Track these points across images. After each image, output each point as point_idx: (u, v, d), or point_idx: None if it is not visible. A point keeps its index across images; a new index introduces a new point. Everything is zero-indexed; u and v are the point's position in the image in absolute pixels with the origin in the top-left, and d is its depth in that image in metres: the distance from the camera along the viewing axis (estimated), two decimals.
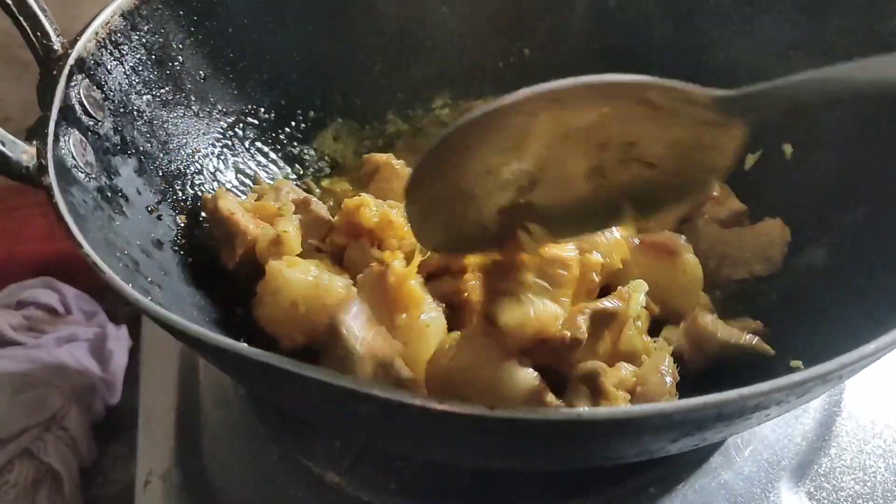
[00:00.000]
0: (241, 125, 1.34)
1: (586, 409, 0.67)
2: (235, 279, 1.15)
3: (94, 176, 1.00)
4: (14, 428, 1.62)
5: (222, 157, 1.29)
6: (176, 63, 1.24)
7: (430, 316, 1.00)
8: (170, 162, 1.18)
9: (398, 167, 1.29)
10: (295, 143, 1.41)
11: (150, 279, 0.97)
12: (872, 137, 1.13)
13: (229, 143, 1.32)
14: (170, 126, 1.21)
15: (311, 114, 1.45)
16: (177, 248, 1.11)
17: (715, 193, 1.25)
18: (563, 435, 0.69)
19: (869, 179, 1.11)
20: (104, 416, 1.83)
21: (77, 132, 1.00)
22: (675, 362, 1.03)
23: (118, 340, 1.89)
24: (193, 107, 1.26)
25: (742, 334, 1.06)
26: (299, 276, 1.04)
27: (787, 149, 1.28)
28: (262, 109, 1.37)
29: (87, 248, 0.81)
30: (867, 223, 1.10)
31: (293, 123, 1.42)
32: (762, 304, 1.17)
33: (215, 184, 1.25)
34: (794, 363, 1.00)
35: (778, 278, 1.19)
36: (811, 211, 1.19)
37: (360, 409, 0.71)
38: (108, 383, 1.83)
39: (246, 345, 0.72)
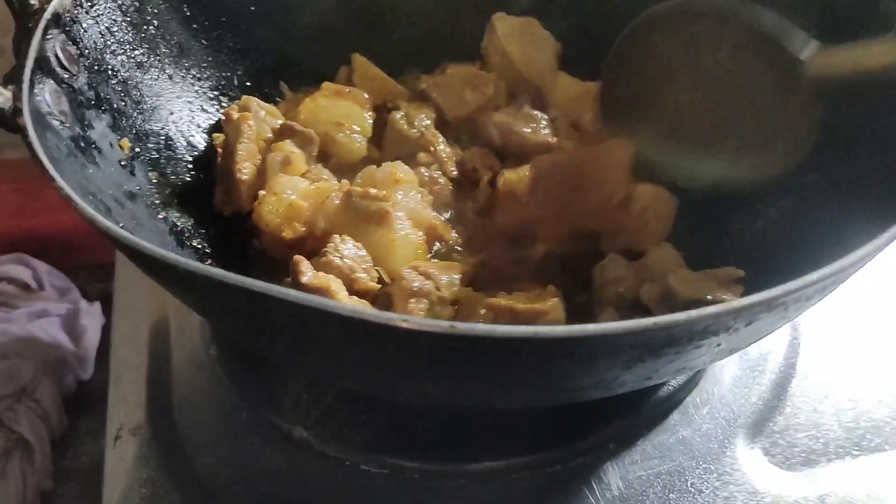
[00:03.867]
0: (216, 91, 1.35)
1: (539, 328, 0.68)
2: (210, 236, 1.18)
3: (68, 125, 1.02)
4: None
5: (195, 122, 1.30)
6: (150, 27, 1.26)
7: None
8: (144, 121, 1.20)
9: None
10: None
11: (121, 224, 0.99)
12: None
13: (203, 106, 1.33)
14: (143, 87, 1.23)
15: (288, 84, 1.47)
16: (149, 203, 1.13)
17: None
18: (512, 352, 0.71)
19: (820, 145, 1.14)
20: (76, 390, 1.84)
21: (52, 82, 1.02)
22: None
23: (91, 316, 1.90)
24: (167, 70, 1.28)
25: (716, 293, 1.07)
26: (299, 180, 1.20)
27: None
28: (236, 77, 1.39)
29: (59, 181, 0.83)
30: (817, 187, 1.14)
31: (267, 91, 1.43)
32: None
33: (188, 146, 1.27)
34: None
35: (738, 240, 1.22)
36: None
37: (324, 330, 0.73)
38: (80, 358, 1.84)
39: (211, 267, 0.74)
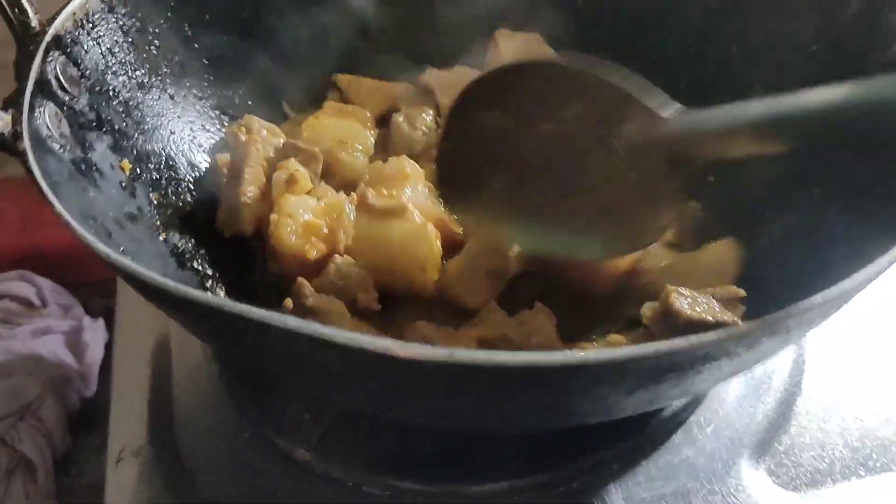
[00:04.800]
0: (217, 109, 1.35)
1: (539, 354, 0.67)
2: (212, 258, 1.18)
3: (68, 148, 1.02)
4: None
5: (196, 141, 1.30)
6: (152, 47, 1.26)
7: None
8: (145, 141, 1.20)
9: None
10: None
11: (122, 248, 0.99)
12: None
13: (205, 125, 1.33)
14: (145, 107, 1.23)
15: (290, 103, 1.47)
16: (150, 225, 1.13)
17: None
18: (511, 380, 0.70)
19: (826, 157, 1.12)
20: (79, 407, 1.84)
21: (53, 105, 1.02)
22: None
23: (94, 333, 1.90)
24: (169, 90, 1.28)
25: (717, 313, 1.04)
26: (308, 198, 1.20)
27: None
28: (237, 97, 1.39)
29: (59, 207, 0.83)
30: (822, 202, 1.13)
31: (269, 110, 1.43)
32: None
33: (190, 165, 1.27)
34: None
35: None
36: (769, 193, 1.21)
37: (325, 356, 0.73)
38: (84, 375, 1.84)
39: (213, 295, 0.74)
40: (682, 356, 0.72)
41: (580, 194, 1.07)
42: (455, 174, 1.18)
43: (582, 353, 0.69)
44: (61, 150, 1.00)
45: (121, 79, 1.19)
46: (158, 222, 1.15)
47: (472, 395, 0.77)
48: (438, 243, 1.22)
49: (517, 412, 0.84)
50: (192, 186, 1.26)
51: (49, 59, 1.04)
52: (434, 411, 0.87)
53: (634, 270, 1.22)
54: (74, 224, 0.82)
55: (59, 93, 1.05)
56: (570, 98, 1.04)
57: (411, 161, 1.28)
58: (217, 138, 1.34)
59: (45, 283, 1.97)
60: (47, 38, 1.05)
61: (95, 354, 1.89)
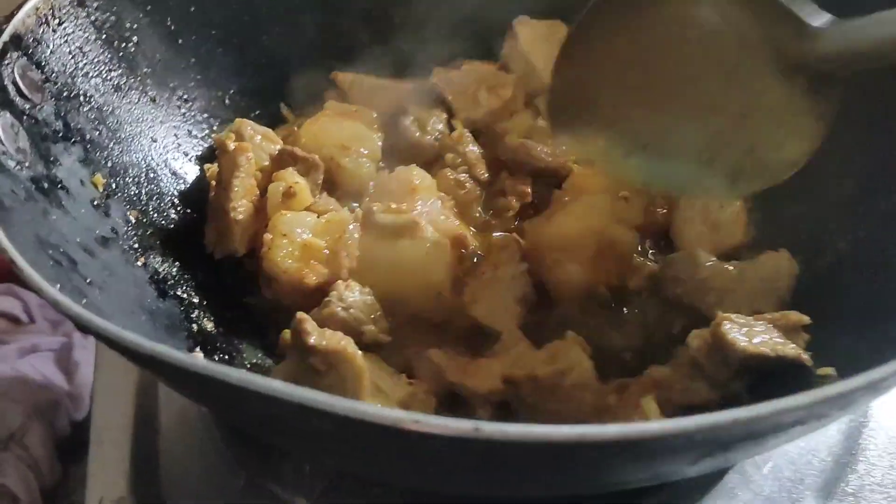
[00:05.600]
0: (205, 113, 1.22)
1: (588, 427, 0.54)
2: (199, 283, 1.05)
3: (27, 164, 0.88)
4: None
5: (182, 149, 1.17)
6: (130, 44, 1.12)
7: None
8: (122, 152, 1.07)
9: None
10: None
11: (88, 279, 0.85)
12: None
13: (191, 130, 1.20)
14: (122, 113, 1.09)
15: (288, 105, 1.34)
16: (126, 248, 0.99)
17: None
18: (555, 458, 0.57)
19: None
20: (69, 433, 1.71)
21: (9, 115, 0.89)
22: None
23: (85, 350, 1.77)
24: (150, 92, 1.15)
25: (778, 345, 0.92)
26: (306, 215, 1.08)
27: None
28: (228, 98, 1.26)
29: (4, 242, 0.69)
30: None
31: (263, 112, 1.30)
32: None
33: (174, 177, 1.13)
34: (823, 371, 0.89)
35: (798, 277, 1.07)
36: (834, 201, 1.09)
37: (323, 426, 0.59)
38: (74, 397, 1.71)
39: (194, 355, 0.61)
40: (766, 423, 0.58)
41: (712, 116, 0.98)
42: (573, 103, 1.09)
43: (638, 426, 0.55)
44: (17, 168, 0.87)
45: (93, 81, 1.06)
46: (136, 245, 1.01)
47: (500, 470, 0.63)
48: (454, 262, 1.10)
49: (552, 484, 0.70)
50: (177, 201, 1.13)
51: (6, 61, 0.92)
52: (458, 483, 0.74)
53: (664, 277, 1.10)
54: (20, 260, 0.69)
55: (18, 100, 0.92)
56: (708, 11, 0.94)
57: (421, 170, 1.15)
58: (206, 145, 1.21)
59: (33, 298, 1.85)
60: (4, 37, 0.92)
61: (86, 373, 1.76)
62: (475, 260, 1.14)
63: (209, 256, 1.09)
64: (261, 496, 1.00)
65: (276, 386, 0.58)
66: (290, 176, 1.10)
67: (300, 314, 0.92)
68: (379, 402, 0.89)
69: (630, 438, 0.55)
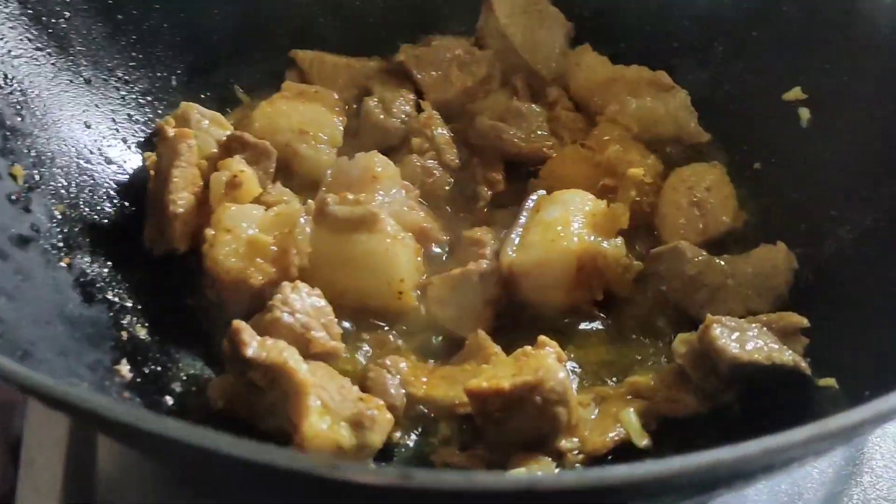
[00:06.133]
0: (149, 95, 1.12)
1: (539, 478, 0.44)
2: (133, 284, 0.95)
3: None
4: None
5: (120, 135, 1.07)
6: (61, 20, 1.02)
7: None
8: (48, 139, 0.97)
9: None
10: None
11: None
12: None
13: (132, 114, 1.10)
14: (50, 96, 0.99)
15: (242, 86, 1.23)
16: (49, 246, 0.89)
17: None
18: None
19: None
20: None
21: None
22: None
23: None
24: (84, 73, 1.04)
25: (774, 352, 0.84)
26: (253, 207, 0.98)
27: (804, 114, 1.09)
28: (175, 78, 1.15)
29: None
30: None
31: (215, 94, 1.19)
32: None
33: (111, 167, 1.03)
34: (824, 382, 0.82)
35: (797, 272, 0.99)
36: (835, 186, 1.01)
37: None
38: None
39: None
40: (754, 463, 0.49)
41: None
42: None
43: (597, 474, 0.46)
44: None
45: (16, 62, 0.96)
46: (61, 243, 0.91)
47: None
48: (419, 259, 1.00)
49: None
50: (113, 193, 1.02)
51: None
52: None
53: (649, 274, 1.02)
54: None
55: None
56: None
57: (383, 157, 1.05)
58: (150, 131, 1.10)
59: None
60: None
61: None
62: (444, 257, 1.05)
63: (147, 254, 0.99)
64: None
65: (169, 426, 0.48)
66: (236, 164, 1.00)
67: (236, 322, 0.82)
68: (326, 421, 0.78)
69: (588, 487, 0.46)
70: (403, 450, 0.87)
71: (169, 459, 0.57)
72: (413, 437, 0.88)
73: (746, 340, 0.83)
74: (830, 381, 0.80)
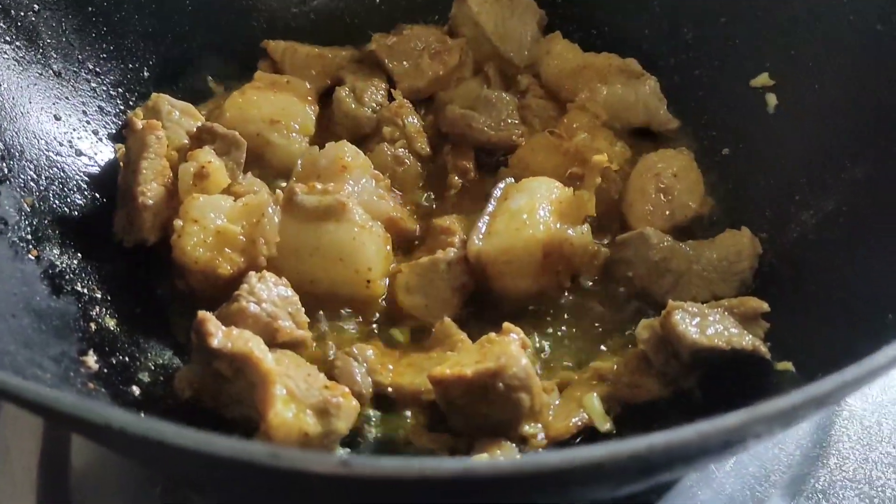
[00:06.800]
0: (120, 87, 1.12)
1: (475, 462, 0.45)
2: (103, 276, 0.96)
3: None
4: None
5: (91, 128, 1.07)
6: (30, 13, 1.03)
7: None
8: (17, 132, 0.97)
9: None
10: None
11: None
12: (873, 75, 0.95)
13: (102, 106, 1.10)
14: (18, 88, 1.00)
15: (211, 73, 1.24)
16: (17, 239, 0.90)
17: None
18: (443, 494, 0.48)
19: (871, 127, 0.93)
20: None
21: None
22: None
23: None
24: (54, 65, 1.05)
25: (734, 336, 0.85)
26: (221, 198, 0.98)
27: (771, 100, 1.10)
28: (147, 69, 1.16)
29: None
30: (868, 183, 0.92)
31: (187, 85, 1.20)
32: None
33: (82, 159, 1.03)
34: (782, 365, 0.83)
35: (761, 256, 1.00)
36: (800, 171, 1.01)
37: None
38: None
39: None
40: (690, 448, 0.50)
41: None
42: None
43: (534, 460, 0.47)
44: None
45: None
46: (29, 235, 0.92)
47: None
48: (388, 248, 1.01)
49: None
50: (84, 185, 1.03)
51: None
52: None
53: (615, 260, 1.02)
54: None
55: None
56: None
57: (353, 147, 1.06)
58: (121, 123, 1.11)
59: None
60: None
61: None
62: (416, 243, 1.06)
63: (118, 246, 1.00)
64: None
65: (154, 428, 0.49)
66: (204, 155, 1.01)
67: (201, 313, 0.83)
68: (291, 410, 0.79)
69: (525, 473, 0.47)
70: (370, 436, 0.88)
71: (118, 450, 0.58)
72: (380, 423, 0.89)
73: (707, 326, 0.84)
74: (787, 365, 0.81)
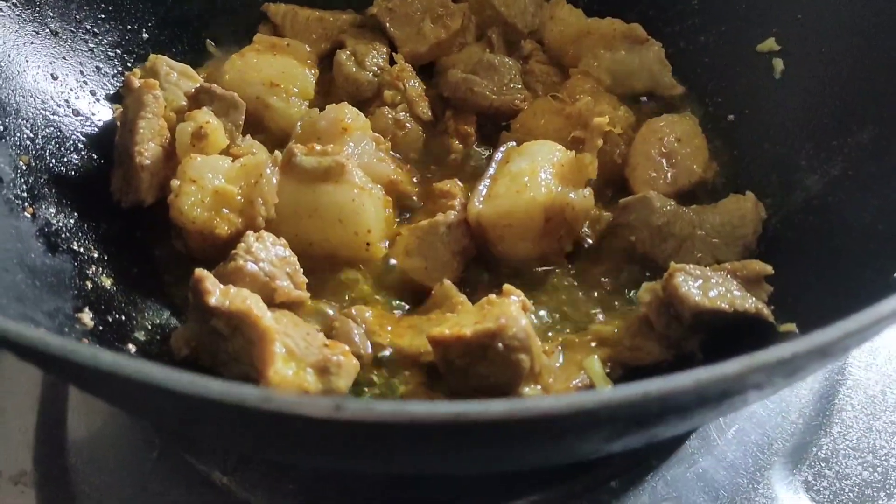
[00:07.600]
0: (118, 48, 1.11)
1: (467, 405, 0.44)
2: (100, 235, 0.95)
3: None
4: None
5: (88, 88, 1.06)
6: None
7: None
8: (12, 91, 0.96)
9: None
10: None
11: None
12: (880, 39, 0.94)
13: (100, 66, 1.09)
14: (14, 48, 0.99)
15: (215, 39, 1.22)
16: (12, 196, 0.89)
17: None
18: (434, 439, 0.47)
19: (878, 90, 0.92)
20: None
21: None
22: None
23: None
24: (51, 24, 1.04)
25: (736, 299, 0.84)
26: (219, 158, 0.97)
27: (777, 65, 1.09)
28: (146, 30, 1.15)
29: None
30: (875, 147, 0.91)
31: (187, 47, 1.19)
32: None
33: (79, 119, 1.03)
34: (786, 326, 0.82)
35: (766, 221, 0.99)
36: (806, 136, 1.00)
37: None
38: None
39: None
40: (685, 397, 0.49)
41: None
42: None
43: (524, 403, 0.46)
44: None
45: None
46: (24, 193, 0.91)
47: (372, 455, 0.54)
48: (389, 211, 1.00)
49: (460, 464, 0.60)
50: (81, 145, 1.02)
51: None
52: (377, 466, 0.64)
53: (618, 224, 1.01)
54: None
55: None
56: None
57: (353, 109, 1.05)
58: (119, 84, 1.10)
59: None
60: None
61: None
62: (414, 209, 1.05)
63: (115, 206, 0.99)
64: (175, 469, 0.92)
65: (144, 370, 0.48)
66: (202, 115, 1.00)
67: (198, 271, 0.82)
68: (291, 368, 0.79)
69: (517, 417, 0.46)
70: (369, 394, 0.87)
71: (107, 396, 0.57)
72: (378, 385, 0.89)
73: (710, 288, 0.84)
74: (791, 327, 0.80)
